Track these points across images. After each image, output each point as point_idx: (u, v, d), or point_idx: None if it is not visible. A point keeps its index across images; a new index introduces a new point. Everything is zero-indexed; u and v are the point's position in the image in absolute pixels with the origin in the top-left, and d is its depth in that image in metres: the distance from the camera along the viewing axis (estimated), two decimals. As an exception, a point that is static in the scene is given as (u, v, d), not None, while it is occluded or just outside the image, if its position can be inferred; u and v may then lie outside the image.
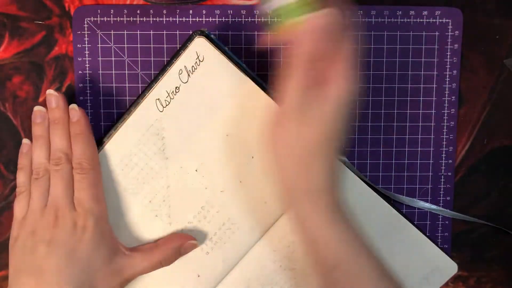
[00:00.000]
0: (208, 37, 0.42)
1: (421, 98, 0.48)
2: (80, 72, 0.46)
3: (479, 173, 0.49)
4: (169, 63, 0.43)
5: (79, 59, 0.46)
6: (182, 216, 0.45)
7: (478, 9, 0.47)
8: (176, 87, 0.43)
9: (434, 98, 0.48)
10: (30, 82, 0.46)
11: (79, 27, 0.45)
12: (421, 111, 0.48)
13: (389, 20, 0.47)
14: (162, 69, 0.43)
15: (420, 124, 0.48)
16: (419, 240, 0.45)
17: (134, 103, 0.44)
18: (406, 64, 0.47)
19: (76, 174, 0.41)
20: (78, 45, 0.45)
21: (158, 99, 0.43)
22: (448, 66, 0.48)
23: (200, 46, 0.42)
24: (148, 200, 0.44)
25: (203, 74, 0.43)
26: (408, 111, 0.48)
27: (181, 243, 0.43)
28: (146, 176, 0.44)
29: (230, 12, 0.46)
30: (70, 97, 0.46)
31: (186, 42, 0.43)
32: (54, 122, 0.43)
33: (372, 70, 0.47)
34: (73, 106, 0.43)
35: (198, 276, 0.45)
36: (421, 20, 0.47)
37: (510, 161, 0.49)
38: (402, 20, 0.47)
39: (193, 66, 0.43)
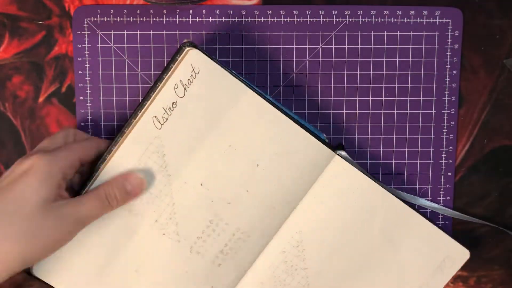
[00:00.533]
0: (198, 48, 0.41)
1: (421, 98, 0.48)
2: (80, 72, 0.46)
3: (479, 173, 0.49)
4: (160, 78, 0.41)
5: (79, 59, 0.46)
6: (191, 232, 0.44)
7: (478, 9, 0.47)
8: (173, 103, 0.42)
9: (434, 98, 0.48)
10: (30, 82, 0.46)
11: (79, 27, 0.45)
12: (421, 111, 0.48)
13: (389, 20, 0.47)
14: (153, 85, 0.42)
15: (420, 124, 0.48)
16: (428, 229, 0.45)
17: (128, 123, 0.42)
18: (406, 64, 0.47)
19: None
20: (78, 45, 0.45)
21: (155, 116, 0.42)
22: (448, 66, 0.48)
23: (194, 58, 0.41)
24: (154, 220, 0.43)
25: (200, 86, 0.42)
26: (408, 111, 0.48)
27: (124, 177, 0.42)
28: (149, 196, 0.43)
29: (230, 12, 0.46)
30: (70, 97, 0.46)
31: (175, 55, 0.41)
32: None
33: (372, 70, 0.47)
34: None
35: (212, 287, 0.45)
36: (421, 20, 0.47)
37: (510, 161, 0.49)
38: (402, 20, 0.47)
39: (189, 79, 0.41)
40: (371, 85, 0.47)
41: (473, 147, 0.49)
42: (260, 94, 0.43)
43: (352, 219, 0.45)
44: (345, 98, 0.47)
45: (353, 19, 0.46)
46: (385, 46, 0.47)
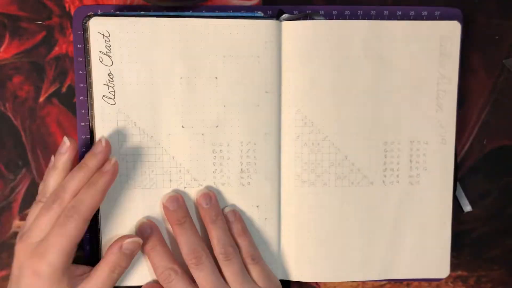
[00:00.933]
0: (97, 15, 0.42)
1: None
2: (80, 72, 0.46)
3: (479, 173, 0.49)
4: (87, 62, 0.43)
5: (79, 59, 0.46)
6: (205, 171, 0.44)
7: (478, 9, 0.47)
8: (108, 74, 0.43)
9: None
10: (30, 82, 0.46)
11: (79, 27, 0.45)
12: (421, 111, 0.48)
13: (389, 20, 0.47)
14: (87, 72, 0.43)
15: (420, 124, 0.48)
16: (409, 26, 0.45)
17: (91, 117, 0.44)
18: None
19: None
20: (78, 45, 0.45)
21: (104, 95, 0.43)
22: (448, 66, 0.48)
23: (97, 25, 0.42)
24: (168, 181, 0.44)
25: (119, 45, 0.43)
26: (408, 111, 0.48)
27: (120, 244, 0.41)
28: (150, 166, 0.44)
29: (230, 12, 0.46)
30: (71, 97, 0.46)
31: (84, 35, 0.43)
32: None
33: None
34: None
35: (258, 206, 0.45)
36: (421, 20, 0.47)
37: (510, 161, 0.49)
38: (402, 20, 0.47)
39: (106, 46, 0.42)
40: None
41: (473, 147, 0.49)
42: (175, 16, 0.43)
43: (338, 62, 0.44)
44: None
45: (353, 19, 0.46)
46: (385, 46, 0.47)
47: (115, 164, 0.41)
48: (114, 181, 0.41)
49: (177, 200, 0.43)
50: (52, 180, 0.42)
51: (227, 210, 0.44)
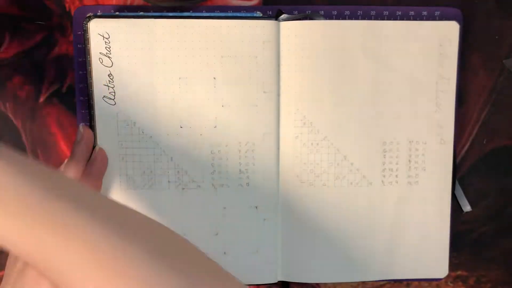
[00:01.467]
0: (97, 16, 0.43)
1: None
2: (80, 72, 0.46)
3: (479, 173, 0.49)
4: (88, 63, 0.43)
5: (80, 59, 0.46)
6: (203, 172, 0.45)
7: (478, 9, 0.47)
8: (108, 75, 0.43)
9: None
10: (30, 82, 0.46)
11: (79, 27, 0.45)
12: (421, 111, 0.48)
13: (388, 20, 0.47)
14: (87, 73, 0.44)
15: (420, 124, 0.48)
16: (404, 26, 0.45)
17: (92, 117, 0.44)
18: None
19: None
20: (78, 45, 0.46)
21: (104, 96, 0.43)
22: (448, 66, 0.47)
23: (97, 27, 0.43)
24: (167, 182, 0.45)
25: (119, 46, 0.43)
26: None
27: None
28: (149, 166, 0.44)
29: (230, 12, 0.46)
30: (71, 97, 0.46)
31: (84, 36, 0.43)
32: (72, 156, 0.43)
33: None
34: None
35: (256, 207, 0.45)
36: (421, 20, 0.47)
37: (510, 161, 0.49)
38: (401, 20, 0.47)
39: (106, 47, 0.43)
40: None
41: (473, 147, 0.49)
42: (173, 17, 0.43)
43: (337, 62, 0.44)
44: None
45: (353, 19, 0.46)
46: (385, 46, 0.47)
47: (100, 150, 0.44)
48: (106, 165, 0.44)
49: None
50: (72, 170, 0.42)
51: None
